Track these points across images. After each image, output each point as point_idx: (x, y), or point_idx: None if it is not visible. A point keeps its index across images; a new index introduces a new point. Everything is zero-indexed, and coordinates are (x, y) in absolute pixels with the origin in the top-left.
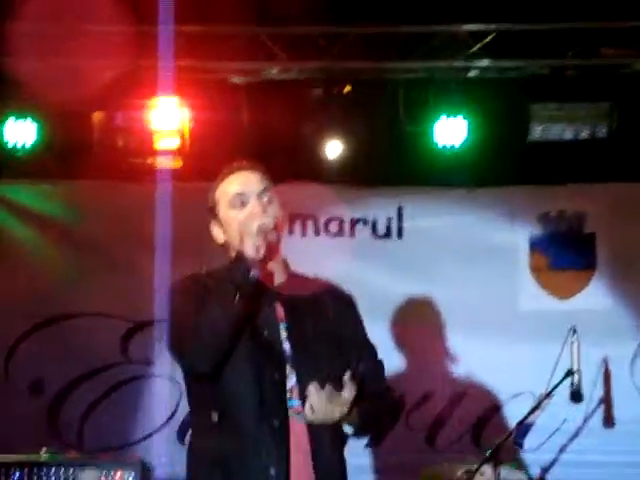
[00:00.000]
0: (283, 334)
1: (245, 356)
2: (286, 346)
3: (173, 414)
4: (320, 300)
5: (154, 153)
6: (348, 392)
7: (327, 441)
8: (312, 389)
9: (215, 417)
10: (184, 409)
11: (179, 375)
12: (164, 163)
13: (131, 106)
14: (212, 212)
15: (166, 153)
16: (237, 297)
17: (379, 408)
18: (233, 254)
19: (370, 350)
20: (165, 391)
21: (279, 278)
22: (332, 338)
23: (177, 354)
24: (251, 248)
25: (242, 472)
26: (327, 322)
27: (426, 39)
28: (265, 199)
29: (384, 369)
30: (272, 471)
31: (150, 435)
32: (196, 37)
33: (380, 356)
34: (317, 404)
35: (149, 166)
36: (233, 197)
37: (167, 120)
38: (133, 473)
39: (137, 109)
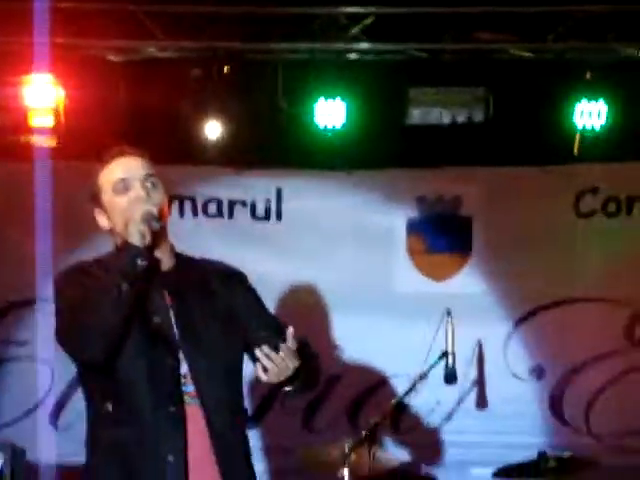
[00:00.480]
0: (173, 320)
1: (137, 344)
2: (176, 332)
3: (45, 397)
4: (208, 281)
5: (29, 131)
6: (292, 343)
7: (226, 423)
8: (259, 352)
9: (109, 407)
10: (56, 392)
11: (53, 357)
12: (39, 141)
13: (4, 83)
14: (95, 198)
15: (41, 131)
16: (124, 286)
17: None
18: (118, 241)
19: (270, 317)
20: (37, 373)
21: (167, 264)
22: (224, 318)
23: (66, 347)
24: (136, 235)
25: (140, 460)
26: (217, 302)
27: (306, 21)
28: (149, 184)
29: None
30: (170, 458)
31: (21, 418)
32: (73, 14)
33: None
34: (268, 364)
35: (24, 144)
36: (116, 183)
37: (42, 98)
38: (3, 457)
39: (11, 86)
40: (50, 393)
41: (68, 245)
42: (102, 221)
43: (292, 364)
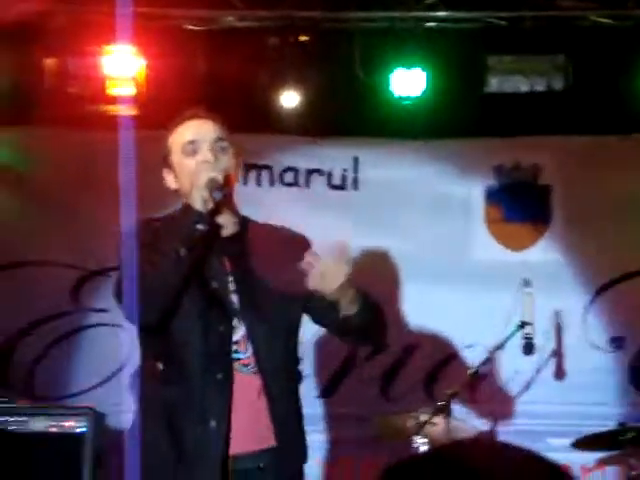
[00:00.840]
0: (231, 286)
1: (193, 308)
2: (234, 298)
3: (125, 362)
4: (271, 246)
5: (108, 100)
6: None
7: (283, 388)
8: (309, 258)
9: (160, 366)
10: (136, 358)
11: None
12: (119, 110)
13: (84, 53)
14: (165, 159)
15: (121, 100)
16: (182, 251)
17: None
18: (184, 201)
19: None
20: (118, 340)
21: (229, 229)
22: (285, 284)
23: (122, 307)
24: (198, 201)
25: (184, 421)
26: (278, 268)
27: None
28: (218, 148)
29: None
30: (213, 423)
31: (102, 383)
32: None
33: None
34: (320, 269)
35: (103, 113)
36: (185, 144)
37: (122, 67)
38: (85, 421)
39: (90, 56)
40: (130, 359)
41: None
42: (170, 181)
43: (342, 270)
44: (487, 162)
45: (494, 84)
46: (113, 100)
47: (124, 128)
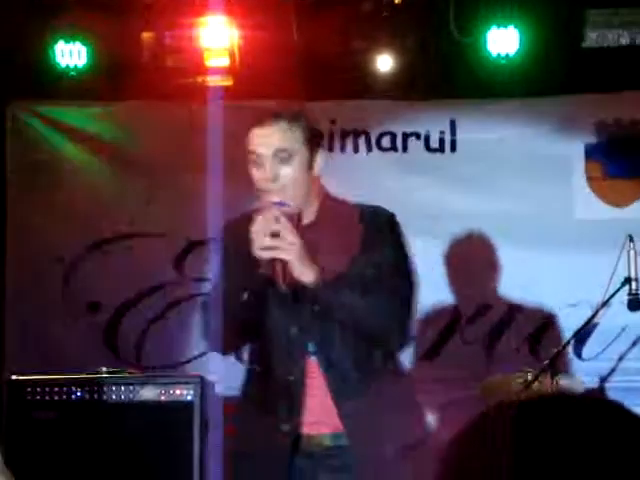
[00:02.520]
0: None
1: (270, 308)
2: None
3: None
4: (351, 231)
5: (204, 72)
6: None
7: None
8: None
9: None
10: None
11: None
12: (215, 81)
13: (180, 25)
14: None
15: (216, 72)
16: (244, 296)
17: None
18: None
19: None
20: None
21: (309, 216)
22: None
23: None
24: (257, 251)
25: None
26: (357, 254)
27: None
28: (278, 160)
29: (409, 293)
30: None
31: (206, 352)
32: None
33: (433, 270)
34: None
35: (200, 85)
36: (250, 153)
37: (217, 39)
38: (193, 389)
39: (186, 28)
40: None
41: (239, 190)
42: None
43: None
44: (587, 118)
45: (593, 38)
46: (210, 72)
47: (214, 99)
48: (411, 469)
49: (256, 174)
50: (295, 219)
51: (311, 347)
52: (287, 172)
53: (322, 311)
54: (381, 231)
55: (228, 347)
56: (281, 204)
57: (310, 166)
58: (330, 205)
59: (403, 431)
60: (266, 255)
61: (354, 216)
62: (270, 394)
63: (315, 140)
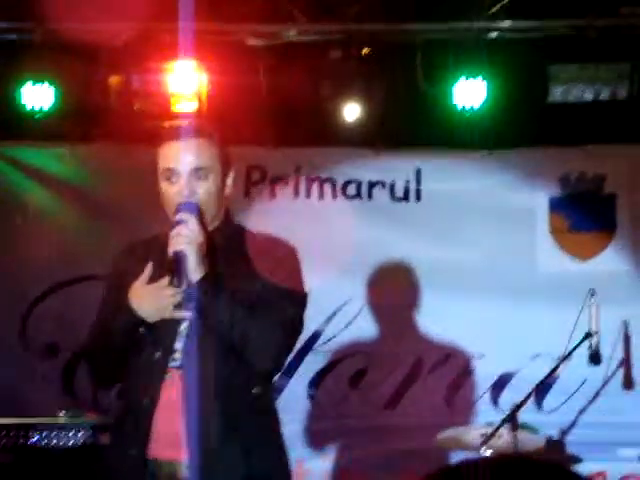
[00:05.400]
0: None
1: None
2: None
3: None
4: (247, 260)
5: (171, 116)
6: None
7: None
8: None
9: None
10: None
11: None
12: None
13: (148, 69)
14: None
15: (184, 116)
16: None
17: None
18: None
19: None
20: None
21: (213, 224)
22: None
23: None
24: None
25: None
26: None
27: (446, 0)
28: (195, 178)
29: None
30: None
31: None
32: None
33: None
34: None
35: (166, 129)
36: (164, 170)
37: (185, 83)
38: None
39: (154, 72)
40: None
41: None
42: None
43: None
44: (552, 172)
45: (558, 93)
46: (177, 116)
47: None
48: None
49: (168, 190)
50: (200, 217)
51: (175, 361)
52: (205, 187)
53: (198, 315)
54: (278, 260)
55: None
56: (189, 204)
57: (223, 186)
58: (235, 226)
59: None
60: (171, 249)
61: (255, 239)
62: (123, 419)
63: (228, 162)
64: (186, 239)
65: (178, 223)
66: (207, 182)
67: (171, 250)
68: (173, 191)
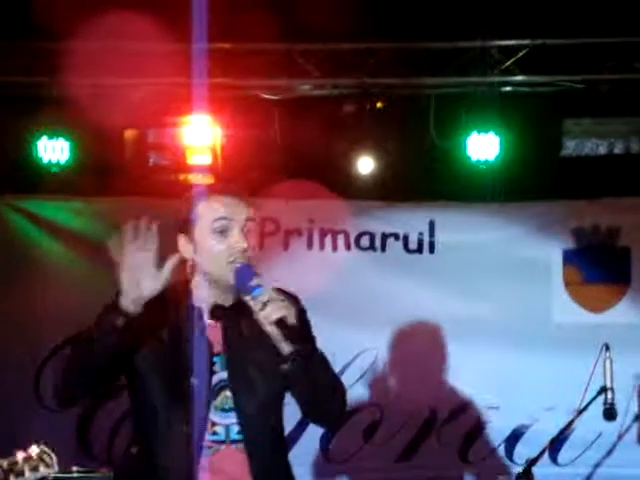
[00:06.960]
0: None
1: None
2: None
3: None
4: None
5: (186, 170)
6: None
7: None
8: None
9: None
10: None
11: None
12: (197, 180)
13: (163, 124)
14: (185, 224)
15: (198, 170)
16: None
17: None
18: (197, 277)
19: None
20: None
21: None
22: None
23: None
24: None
25: None
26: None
27: (459, 54)
28: (246, 230)
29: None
30: None
31: None
32: (229, 54)
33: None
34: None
35: (181, 183)
36: (216, 220)
37: (199, 137)
38: None
39: (169, 126)
40: None
41: None
42: (186, 250)
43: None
44: (565, 224)
45: (571, 147)
46: (192, 169)
47: (200, 197)
48: None
49: (219, 244)
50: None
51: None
52: (252, 240)
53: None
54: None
55: None
56: (247, 268)
57: None
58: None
59: None
60: (273, 316)
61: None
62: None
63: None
64: (283, 303)
65: (255, 289)
66: (251, 236)
67: (274, 317)
68: (230, 243)
